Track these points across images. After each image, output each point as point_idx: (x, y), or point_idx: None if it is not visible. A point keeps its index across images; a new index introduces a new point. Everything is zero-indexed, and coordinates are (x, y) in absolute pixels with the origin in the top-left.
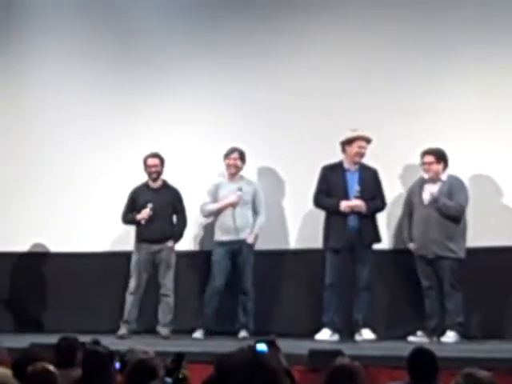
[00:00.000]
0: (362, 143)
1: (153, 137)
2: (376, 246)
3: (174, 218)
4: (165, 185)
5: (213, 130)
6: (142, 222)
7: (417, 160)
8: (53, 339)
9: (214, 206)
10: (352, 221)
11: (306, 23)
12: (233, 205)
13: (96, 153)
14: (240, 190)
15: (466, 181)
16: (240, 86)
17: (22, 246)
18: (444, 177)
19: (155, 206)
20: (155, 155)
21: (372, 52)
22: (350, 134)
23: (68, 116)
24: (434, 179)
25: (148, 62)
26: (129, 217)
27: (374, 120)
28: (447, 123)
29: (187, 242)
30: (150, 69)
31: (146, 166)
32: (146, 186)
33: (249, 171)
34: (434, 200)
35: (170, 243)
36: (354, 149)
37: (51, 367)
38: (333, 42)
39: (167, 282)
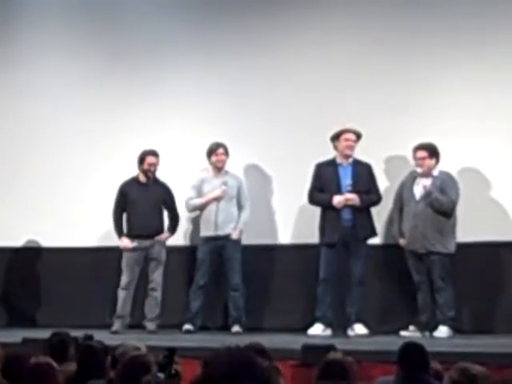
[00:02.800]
0: (349, 135)
1: (146, 133)
2: (369, 241)
3: (164, 214)
4: (155, 180)
5: (201, 126)
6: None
7: (407, 155)
8: (45, 334)
9: (198, 201)
10: (346, 215)
11: (299, 20)
12: (217, 199)
13: (90, 149)
14: (225, 184)
15: (455, 176)
16: (228, 84)
17: (16, 241)
18: (436, 172)
19: (146, 201)
20: (155, 153)
21: (363, 49)
22: (336, 129)
23: (63, 112)
24: (426, 174)
25: (141, 60)
26: (117, 224)
27: (363, 116)
28: (437, 119)
29: (175, 237)
30: (144, 67)
31: (145, 164)
32: (136, 181)
33: (237, 167)
34: (427, 194)
35: (163, 236)
36: (342, 142)
37: (51, 361)
38: (324, 39)
39: (157, 276)
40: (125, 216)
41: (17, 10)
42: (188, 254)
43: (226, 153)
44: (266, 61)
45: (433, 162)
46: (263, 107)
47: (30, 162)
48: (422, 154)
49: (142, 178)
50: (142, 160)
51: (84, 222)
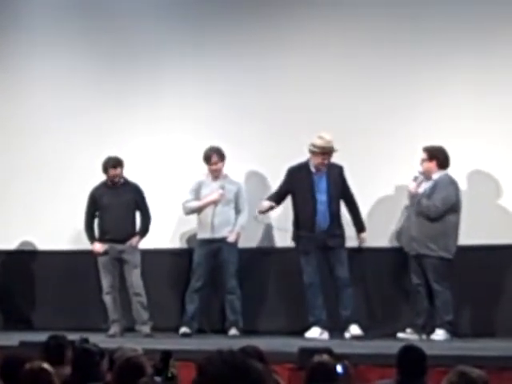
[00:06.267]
0: (326, 156)
1: (144, 134)
2: (367, 244)
3: (137, 214)
4: (125, 182)
5: (199, 129)
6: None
7: (411, 158)
8: (42, 337)
9: (195, 204)
10: (321, 224)
11: (301, 22)
12: (215, 202)
13: (87, 151)
14: (222, 187)
15: (459, 179)
16: (227, 84)
17: (11, 243)
18: (436, 175)
19: (117, 205)
20: (116, 165)
21: (364, 51)
22: (317, 142)
23: (60, 114)
24: (426, 177)
25: (140, 61)
26: (88, 230)
27: (365, 118)
28: (442, 121)
29: (171, 240)
30: (142, 68)
31: (108, 174)
32: (105, 185)
33: (235, 169)
34: (412, 197)
35: (133, 241)
36: (318, 159)
37: (47, 366)
38: (323, 40)
39: (135, 280)
40: (97, 221)
41: (14, 12)
42: (184, 256)
43: (221, 158)
44: (266, 62)
45: (432, 164)
46: (262, 110)
47: (26, 164)
48: (422, 155)
49: (111, 183)
50: (105, 170)
51: (80, 224)
